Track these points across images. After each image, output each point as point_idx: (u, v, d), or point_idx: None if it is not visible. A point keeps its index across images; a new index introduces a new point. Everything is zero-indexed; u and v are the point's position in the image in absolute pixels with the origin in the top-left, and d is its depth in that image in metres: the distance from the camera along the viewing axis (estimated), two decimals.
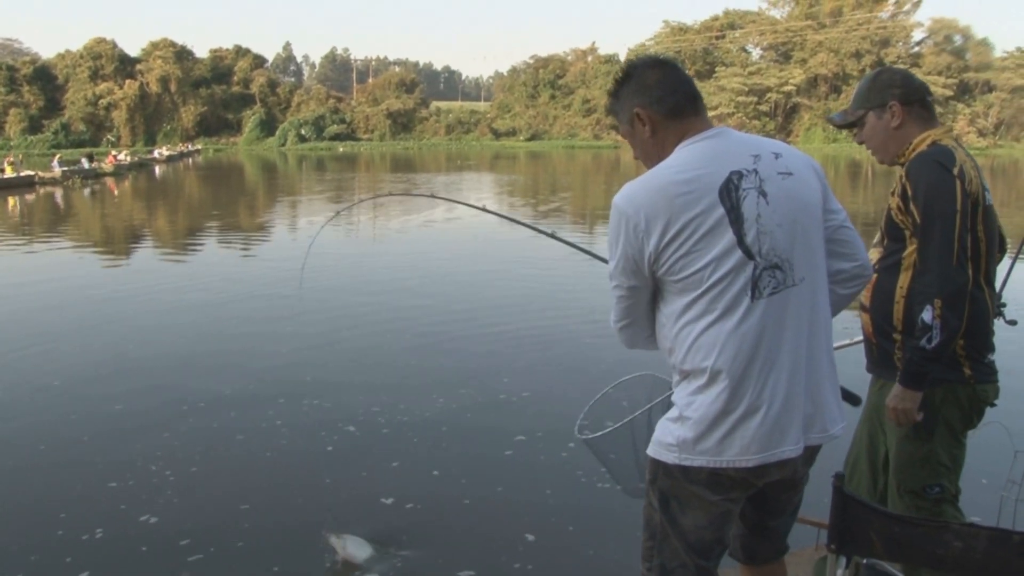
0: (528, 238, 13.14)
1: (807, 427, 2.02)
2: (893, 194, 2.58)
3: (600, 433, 3.94)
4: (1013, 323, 2.90)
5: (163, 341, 8.00)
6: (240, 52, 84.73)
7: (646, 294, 2.07)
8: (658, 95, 2.06)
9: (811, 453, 2.10)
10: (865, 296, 2.66)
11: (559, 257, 11.41)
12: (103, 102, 74.12)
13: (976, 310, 2.50)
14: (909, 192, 2.49)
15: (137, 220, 21.36)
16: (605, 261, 2.17)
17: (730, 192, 1.95)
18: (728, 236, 1.93)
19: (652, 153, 2.10)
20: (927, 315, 2.40)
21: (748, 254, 1.94)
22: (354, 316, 8.98)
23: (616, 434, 3.86)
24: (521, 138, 77.56)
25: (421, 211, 20.78)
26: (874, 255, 2.63)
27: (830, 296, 2.15)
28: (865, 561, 2.32)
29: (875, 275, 2.56)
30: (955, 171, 2.44)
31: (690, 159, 2.00)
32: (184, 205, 26.26)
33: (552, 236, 3.57)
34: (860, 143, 2.74)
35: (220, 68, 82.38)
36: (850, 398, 2.52)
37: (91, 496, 4.55)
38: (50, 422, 5.68)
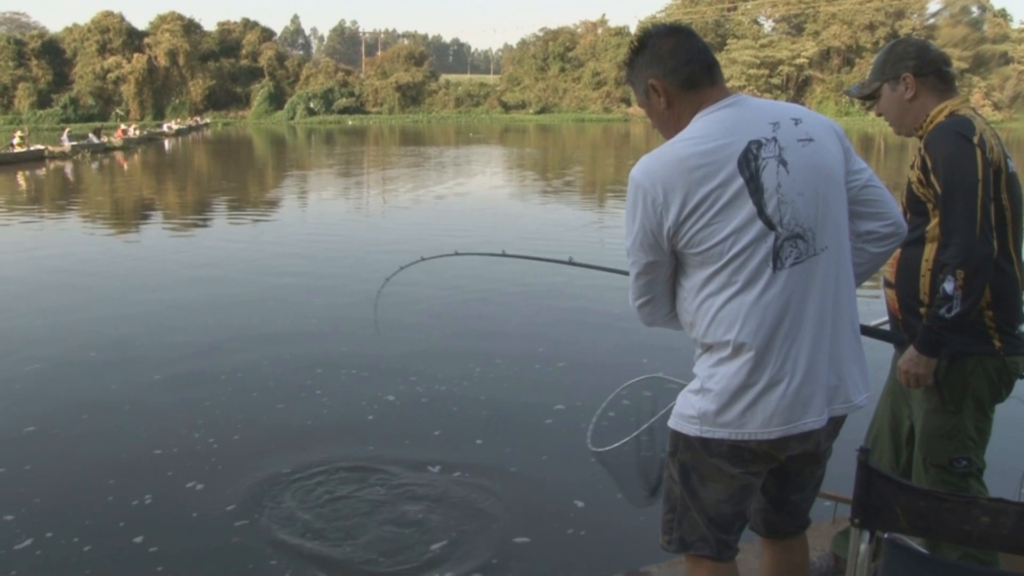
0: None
1: (831, 398, 2.00)
2: (913, 167, 2.56)
3: (611, 447, 4.00)
4: None
5: (197, 312, 8.08)
6: (248, 25, 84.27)
7: (665, 270, 2.04)
8: (672, 66, 2.02)
9: (835, 425, 2.08)
10: (890, 271, 2.64)
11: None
12: (111, 76, 73.86)
13: (1004, 281, 2.48)
14: (929, 164, 2.47)
15: (150, 193, 21.32)
16: (626, 274, 2.14)
17: (749, 162, 1.91)
18: (748, 207, 1.91)
19: (669, 124, 2.07)
20: (949, 285, 2.39)
21: (769, 224, 1.92)
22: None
23: (624, 446, 3.92)
24: (531, 111, 77.17)
25: (430, 186, 20.73)
26: None
27: (862, 255, 2.13)
28: (887, 535, 2.30)
29: (899, 250, 2.53)
30: (975, 140, 2.41)
31: (708, 129, 1.96)
32: (197, 178, 26.21)
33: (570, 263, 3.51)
34: (878, 115, 2.72)
35: (228, 41, 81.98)
36: (890, 337, 2.53)
37: (137, 464, 4.63)
38: (90, 391, 5.74)
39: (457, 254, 4.10)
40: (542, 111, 77.13)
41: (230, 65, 79.44)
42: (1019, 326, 2.55)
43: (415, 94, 79.74)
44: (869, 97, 2.69)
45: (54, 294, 8.92)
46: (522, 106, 78.72)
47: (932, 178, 2.46)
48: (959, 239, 2.39)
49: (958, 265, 2.38)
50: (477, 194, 19.38)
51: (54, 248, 12.29)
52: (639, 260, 2.03)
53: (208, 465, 4.59)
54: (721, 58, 67.49)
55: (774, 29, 78.25)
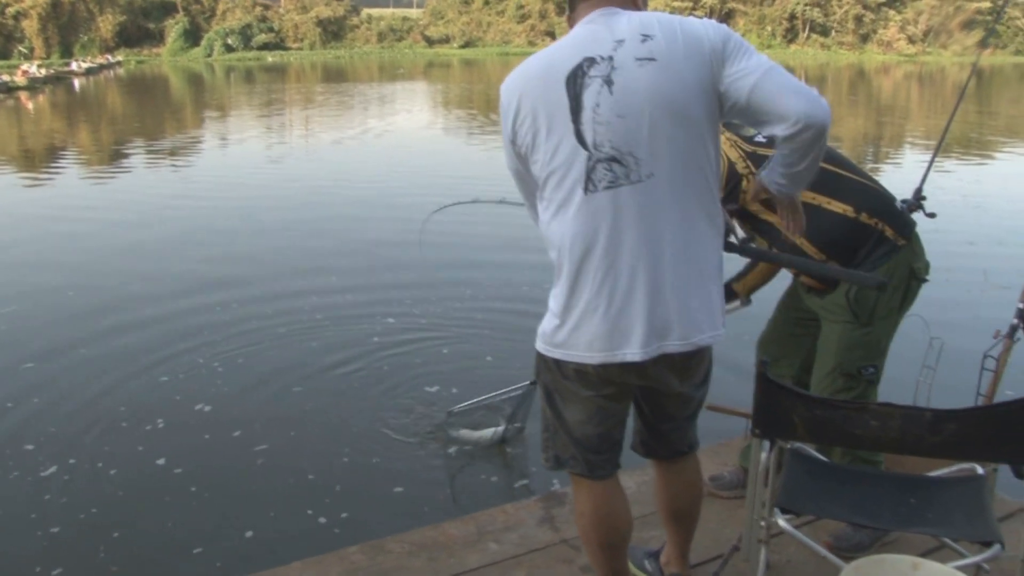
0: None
1: (660, 334, 1.97)
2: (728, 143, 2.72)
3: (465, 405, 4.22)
4: (932, 216, 3.06)
5: (212, 245, 8.76)
6: None
7: (528, 181, 2.08)
8: None
9: (684, 362, 2.06)
10: None
11: None
12: (11, 11, 69.99)
13: (860, 186, 2.71)
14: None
15: (61, 137, 20.59)
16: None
17: (576, 79, 1.90)
18: (566, 124, 1.91)
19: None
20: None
21: (583, 144, 1.90)
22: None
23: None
24: (455, 45, 75.78)
25: (354, 127, 20.47)
26: None
27: (781, 150, 1.99)
28: (789, 446, 2.42)
29: None
30: None
31: (560, 44, 1.99)
32: (112, 119, 25.33)
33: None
34: None
35: None
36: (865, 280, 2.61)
37: (144, 390, 5.03)
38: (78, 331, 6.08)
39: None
40: (466, 45, 75.75)
41: (141, 0, 76.10)
42: (892, 208, 2.74)
43: (336, 29, 77.51)
44: None
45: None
46: (446, 40, 77.24)
47: (737, 138, 2.68)
48: None
49: None
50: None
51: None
52: (508, 164, 2.11)
53: (214, 387, 5.11)
54: None
55: None
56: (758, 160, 2.57)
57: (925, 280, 2.77)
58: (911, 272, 2.71)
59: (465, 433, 4.28)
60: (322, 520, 3.72)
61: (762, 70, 1.91)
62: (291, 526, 3.69)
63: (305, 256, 8.20)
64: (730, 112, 1.97)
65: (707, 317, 2.03)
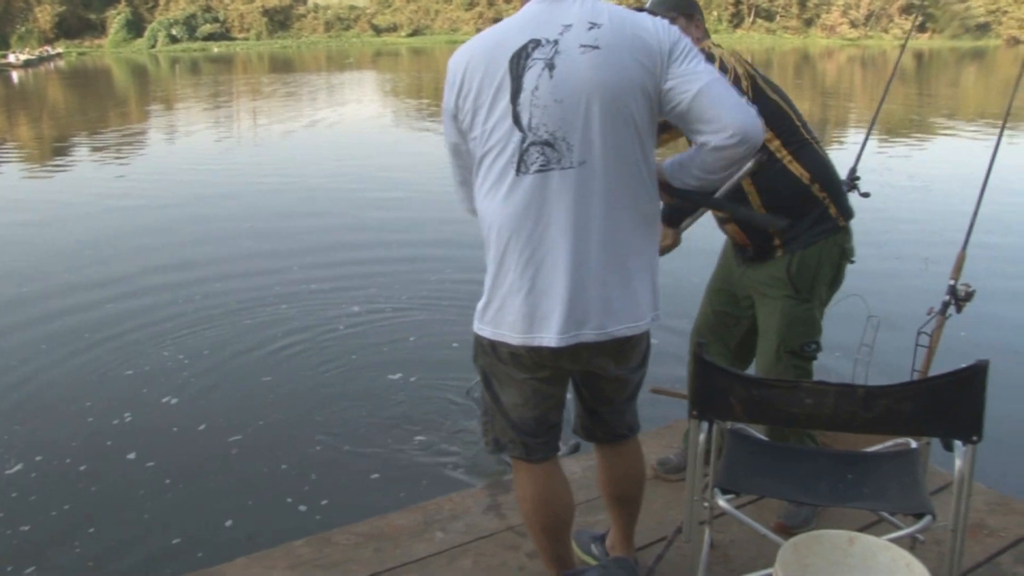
0: None
1: (580, 321, 1.97)
2: None
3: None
4: (867, 195, 3.13)
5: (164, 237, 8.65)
6: None
7: (465, 156, 2.07)
8: None
9: (617, 347, 2.08)
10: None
11: None
12: None
13: (811, 154, 2.75)
14: None
15: None
16: None
17: (520, 60, 1.90)
18: (505, 103, 1.91)
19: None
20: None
21: (519, 126, 1.91)
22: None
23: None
24: (403, 34, 75.34)
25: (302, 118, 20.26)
26: None
27: (706, 157, 1.98)
28: (729, 426, 2.45)
29: None
30: (715, 65, 2.55)
31: (509, 21, 1.99)
32: (53, 113, 24.77)
33: None
34: None
35: None
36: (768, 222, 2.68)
37: (108, 384, 4.94)
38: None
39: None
40: (414, 33, 75.33)
41: None
42: (841, 189, 2.84)
43: (283, 19, 76.52)
44: None
45: None
46: (393, 29, 76.75)
47: None
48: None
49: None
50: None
51: None
52: (447, 138, 2.09)
53: (180, 379, 5.04)
54: None
55: None
56: None
57: (852, 262, 2.85)
58: (843, 252, 2.79)
59: None
60: (302, 508, 3.72)
61: (710, 77, 1.93)
62: (271, 514, 3.68)
63: (263, 245, 8.17)
64: (669, 114, 1.98)
65: (629, 309, 2.04)
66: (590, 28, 1.91)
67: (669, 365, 4.23)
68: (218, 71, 42.54)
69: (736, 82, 2.59)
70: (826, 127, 17.75)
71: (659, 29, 1.95)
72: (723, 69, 2.59)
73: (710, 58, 2.62)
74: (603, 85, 1.90)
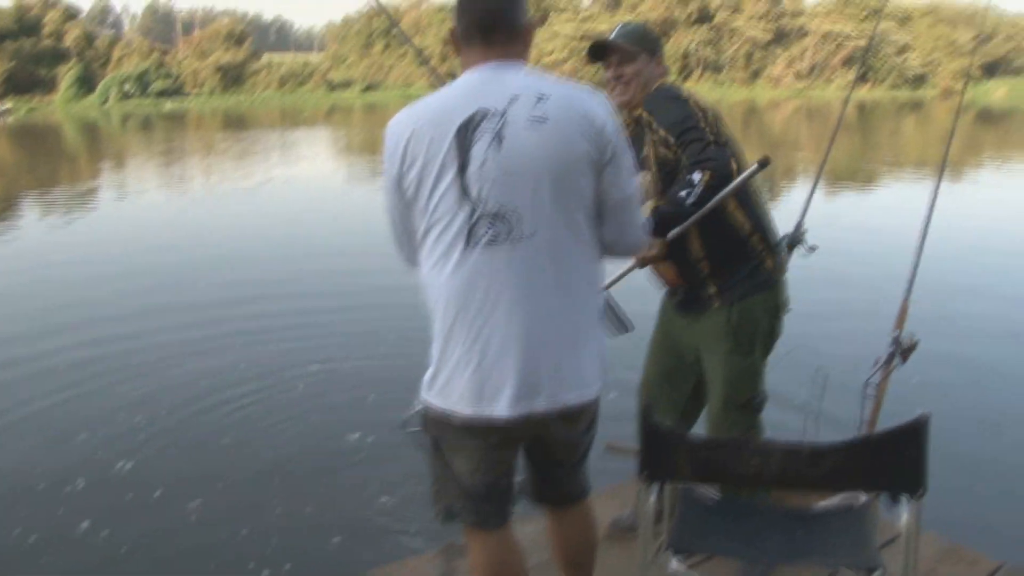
0: None
1: (531, 393, 1.97)
2: (650, 144, 2.77)
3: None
4: (813, 249, 3.18)
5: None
6: (48, 2, 78.52)
7: (409, 223, 2.03)
8: (459, 14, 2.01)
9: (566, 414, 2.07)
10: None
11: None
12: None
13: (752, 204, 2.81)
14: (655, 124, 2.71)
15: None
16: None
17: (468, 131, 1.89)
18: (452, 175, 1.89)
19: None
20: (696, 175, 2.58)
21: (467, 198, 1.89)
22: None
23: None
24: (357, 89, 75.82)
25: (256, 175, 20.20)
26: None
27: (603, 247, 2.09)
28: (682, 486, 2.47)
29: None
30: (683, 95, 2.71)
31: (452, 89, 1.98)
32: (16, 168, 24.42)
33: None
34: (616, 78, 2.85)
35: (27, 20, 75.94)
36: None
37: (61, 449, 4.77)
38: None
39: None
40: (368, 88, 75.84)
41: (31, 45, 73.55)
42: (777, 243, 2.90)
43: (237, 75, 76.46)
44: (608, 53, 2.82)
45: None
46: (347, 84, 77.20)
47: (664, 133, 2.68)
48: (707, 153, 2.59)
49: (709, 167, 2.57)
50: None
51: None
52: (388, 205, 2.04)
53: (136, 442, 4.91)
54: (545, 31, 68.53)
55: (594, 2, 79.74)
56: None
57: (789, 310, 2.92)
58: (778, 306, 2.85)
59: None
60: (265, 573, 3.66)
61: (631, 191, 2.07)
62: None
63: (216, 297, 8.14)
64: (595, 197, 2.02)
65: (578, 378, 2.04)
66: (538, 101, 1.91)
67: (625, 421, 4.21)
68: (171, 127, 42.33)
69: (710, 125, 2.65)
70: (774, 177, 18.10)
71: (600, 111, 1.98)
72: (692, 115, 2.64)
73: (681, 99, 2.68)
74: (552, 158, 1.91)
